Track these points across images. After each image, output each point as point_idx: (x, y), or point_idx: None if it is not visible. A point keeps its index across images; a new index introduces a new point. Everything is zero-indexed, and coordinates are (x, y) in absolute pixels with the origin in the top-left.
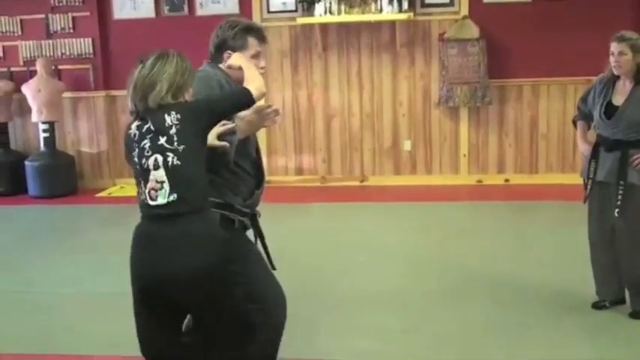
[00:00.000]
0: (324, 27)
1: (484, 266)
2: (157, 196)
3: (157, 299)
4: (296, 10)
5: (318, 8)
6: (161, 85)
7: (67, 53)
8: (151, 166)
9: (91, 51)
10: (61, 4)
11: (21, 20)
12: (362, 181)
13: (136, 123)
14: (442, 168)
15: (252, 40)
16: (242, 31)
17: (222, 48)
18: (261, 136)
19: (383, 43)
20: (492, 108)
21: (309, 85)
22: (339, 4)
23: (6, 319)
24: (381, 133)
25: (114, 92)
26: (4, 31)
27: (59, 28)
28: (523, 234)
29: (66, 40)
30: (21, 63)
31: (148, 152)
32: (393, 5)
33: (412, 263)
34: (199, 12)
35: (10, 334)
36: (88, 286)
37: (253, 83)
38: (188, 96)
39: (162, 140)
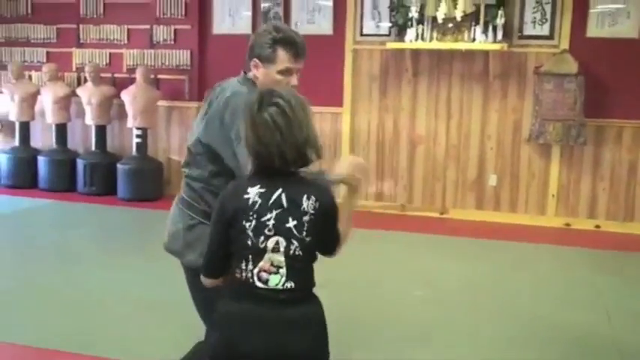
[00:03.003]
0: (416, 53)
1: (548, 315)
2: (267, 279)
3: None
4: (389, 35)
5: (410, 33)
6: (300, 141)
7: (167, 63)
8: (269, 247)
9: (189, 63)
10: (165, 17)
11: (128, 29)
12: (442, 213)
13: (259, 189)
14: (528, 207)
15: (282, 54)
16: (274, 40)
17: (251, 55)
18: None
19: (475, 73)
20: (587, 149)
21: (396, 110)
22: (431, 30)
23: (69, 317)
24: (466, 165)
25: None
26: (112, 39)
27: (162, 39)
28: (603, 286)
29: (166, 50)
30: (124, 70)
31: (270, 230)
32: (487, 35)
33: (469, 304)
34: None
35: (66, 333)
36: (159, 293)
37: (345, 233)
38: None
39: (292, 224)
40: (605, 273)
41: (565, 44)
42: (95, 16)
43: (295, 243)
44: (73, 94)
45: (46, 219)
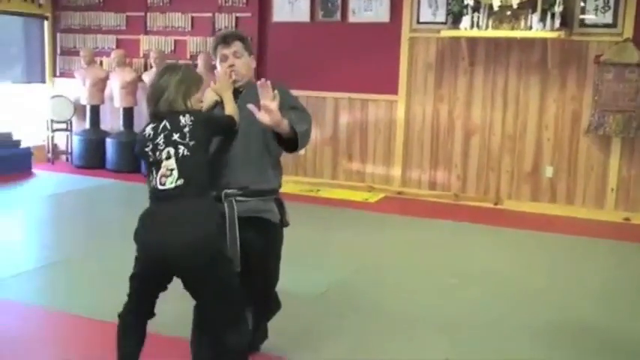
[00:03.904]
0: (472, 42)
1: (590, 314)
2: (165, 182)
3: (160, 268)
4: (445, 23)
5: (465, 21)
6: (169, 91)
7: None
8: (164, 157)
9: None
10: (227, 4)
11: (192, 17)
12: (496, 203)
13: (151, 125)
14: (586, 200)
15: (217, 48)
16: (214, 45)
17: None
18: (399, 147)
19: (533, 62)
20: None
21: (452, 99)
22: (487, 18)
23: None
24: (522, 156)
25: None
26: (176, 26)
27: (223, 26)
28: None
29: None
30: (188, 57)
31: (161, 146)
32: (545, 23)
33: (505, 295)
34: (351, 19)
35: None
36: None
37: (233, 113)
38: (194, 100)
39: (176, 136)
40: None
41: (629, 33)
42: (162, 4)
43: (181, 147)
44: (140, 79)
45: (111, 197)
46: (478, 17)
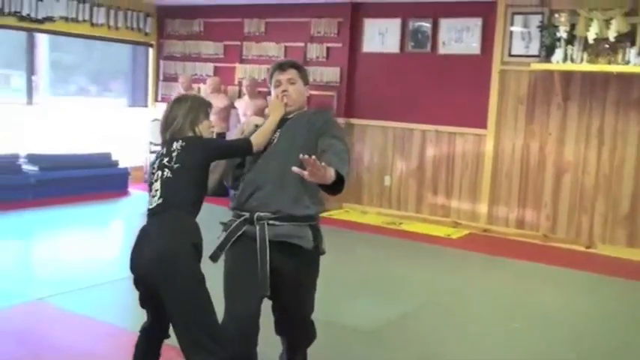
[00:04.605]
0: (567, 76)
1: None
2: (152, 202)
3: (141, 283)
4: (539, 56)
5: (557, 54)
6: (177, 121)
7: (318, 80)
8: (154, 180)
9: (338, 79)
10: (318, 35)
11: (285, 47)
12: (588, 247)
13: (158, 153)
14: None
15: (273, 74)
16: (271, 72)
17: None
18: (486, 183)
19: (633, 98)
20: None
21: (544, 135)
22: (582, 51)
23: None
24: (618, 198)
25: (353, 120)
26: (270, 55)
27: (314, 56)
28: None
29: (318, 67)
30: None
31: (155, 170)
32: None
33: (570, 344)
34: (441, 50)
35: None
36: None
37: (258, 138)
38: (203, 127)
39: (165, 160)
40: None
41: None
42: (257, 34)
43: (167, 171)
44: (233, 106)
45: (200, 219)
46: (572, 50)
